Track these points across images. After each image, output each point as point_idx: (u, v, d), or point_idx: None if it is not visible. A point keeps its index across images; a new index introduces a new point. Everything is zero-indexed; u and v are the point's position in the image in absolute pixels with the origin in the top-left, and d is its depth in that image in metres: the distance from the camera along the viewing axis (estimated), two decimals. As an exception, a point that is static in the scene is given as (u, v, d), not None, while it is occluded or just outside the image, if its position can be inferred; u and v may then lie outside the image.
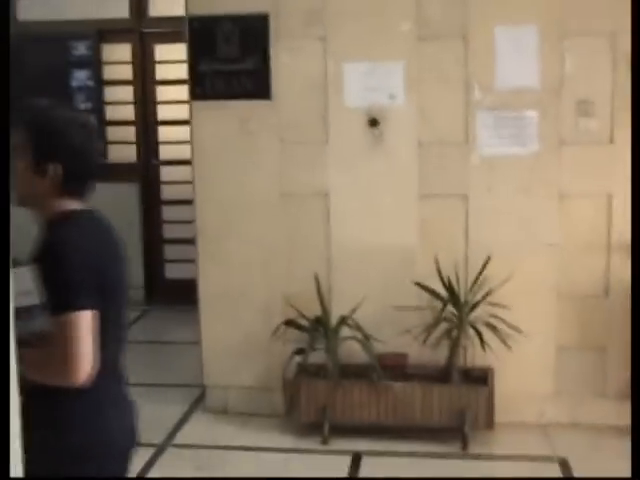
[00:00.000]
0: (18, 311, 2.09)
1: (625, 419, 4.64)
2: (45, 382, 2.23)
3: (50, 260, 2.22)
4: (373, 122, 4.65)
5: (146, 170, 7.34)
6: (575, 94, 4.55)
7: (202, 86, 4.71)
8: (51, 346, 2.21)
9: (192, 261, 6.91)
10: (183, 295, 7.09)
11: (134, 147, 7.35)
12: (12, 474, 1.52)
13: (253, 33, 4.64)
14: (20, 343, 1.99)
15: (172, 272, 7.45)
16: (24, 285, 2.19)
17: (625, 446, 4.42)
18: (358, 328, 4.56)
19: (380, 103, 4.64)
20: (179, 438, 4.72)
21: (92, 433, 2.32)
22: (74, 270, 2.22)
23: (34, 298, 2.21)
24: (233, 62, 4.67)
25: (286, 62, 4.67)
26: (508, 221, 4.63)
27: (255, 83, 4.68)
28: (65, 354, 2.18)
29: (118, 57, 7.36)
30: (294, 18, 4.63)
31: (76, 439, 2.29)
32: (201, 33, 4.67)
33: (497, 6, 4.54)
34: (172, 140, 7.25)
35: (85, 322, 2.20)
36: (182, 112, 6.97)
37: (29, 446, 1.71)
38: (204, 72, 4.69)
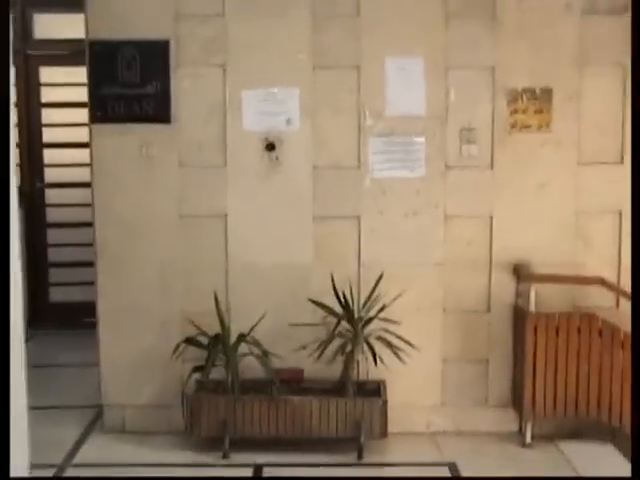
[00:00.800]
0: None
1: (504, 426, 5.01)
2: None
3: None
4: (270, 146, 4.84)
5: (31, 193, 7.28)
6: (458, 122, 4.86)
7: (103, 109, 4.78)
8: None
9: (79, 284, 7.00)
10: (68, 318, 7.11)
11: (19, 170, 7.28)
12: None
13: (154, 58, 4.75)
14: None
15: (57, 295, 7.40)
16: None
17: (505, 449, 4.81)
18: (256, 344, 4.70)
19: (277, 128, 4.83)
20: (78, 458, 4.72)
21: None
22: None
23: None
24: (134, 86, 4.76)
25: (187, 87, 4.81)
26: (398, 241, 4.89)
27: (156, 107, 4.79)
28: None
29: (2, 79, 7.27)
30: (195, 45, 4.78)
31: None
32: (102, 57, 4.74)
33: (387, 39, 4.81)
34: (58, 163, 7.24)
35: None
36: (68, 134, 7.09)
37: None
38: (105, 95, 4.77)
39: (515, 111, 4.84)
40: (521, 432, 4.91)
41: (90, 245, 4.99)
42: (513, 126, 4.85)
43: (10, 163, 2.04)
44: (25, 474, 1.78)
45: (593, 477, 4.13)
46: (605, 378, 4.68)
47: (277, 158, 4.84)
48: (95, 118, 4.83)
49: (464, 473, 4.50)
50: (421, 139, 4.86)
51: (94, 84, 4.80)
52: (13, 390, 1.48)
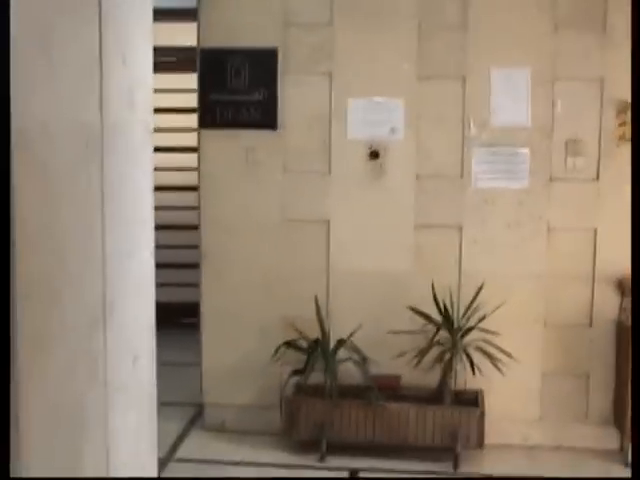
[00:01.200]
0: None
1: (605, 443, 4.91)
2: None
3: None
4: (374, 154, 4.88)
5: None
6: (564, 134, 4.81)
7: (211, 115, 4.91)
8: None
9: (181, 285, 7.16)
10: (169, 318, 7.27)
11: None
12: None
13: (262, 66, 4.86)
14: None
15: (160, 296, 7.55)
16: None
17: (604, 467, 4.71)
18: (355, 350, 4.74)
19: (381, 137, 4.87)
20: (179, 453, 4.85)
21: None
22: None
23: None
24: (242, 93, 4.88)
25: (293, 95, 4.89)
26: (499, 251, 4.87)
27: (262, 114, 4.89)
28: None
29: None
30: (302, 54, 4.87)
31: None
32: (212, 64, 4.88)
33: (493, 49, 4.80)
34: (164, 167, 7.41)
35: None
36: (174, 140, 7.27)
37: None
38: (214, 102, 4.89)
39: (623, 123, 4.76)
40: (622, 451, 4.81)
41: (191, 247, 5.12)
42: (621, 138, 4.78)
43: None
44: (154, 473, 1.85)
45: (594, 477, 4.00)
46: None
47: (381, 166, 4.87)
48: (204, 123, 4.96)
49: (561, 489, 4.45)
50: (525, 150, 4.83)
51: (203, 90, 4.94)
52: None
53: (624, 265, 4.79)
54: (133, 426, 1.63)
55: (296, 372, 4.79)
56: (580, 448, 4.89)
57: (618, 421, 4.84)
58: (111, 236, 1.61)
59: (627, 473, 4.64)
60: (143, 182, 1.84)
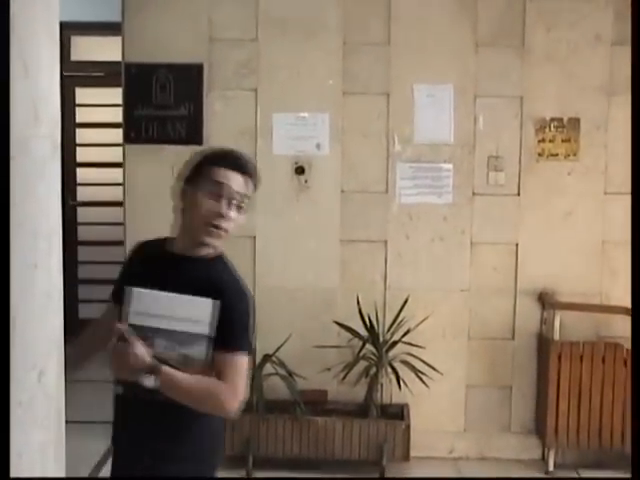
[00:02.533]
0: (181, 335, 2.34)
1: (527, 453, 4.97)
2: (195, 408, 2.37)
3: (233, 300, 2.40)
4: (299, 170, 4.88)
5: (63, 210, 7.33)
6: (486, 149, 4.88)
7: (136, 130, 4.85)
8: (212, 378, 2.35)
9: (107, 301, 7.04)
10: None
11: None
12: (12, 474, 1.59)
13: (187, 82, 4.81)
14: (168, 365, 2.30)
15: (86, 312, 7.45)
16: (194, 313, 2.36)
17: (528, 476, 4.76)
18: (281, 365, 4.71)
19: (306, 152, 4.87)
20: (105, 471, 4.74)
21: (215, 442, 2.60)
22: (251, 314, 2.45)
23: (203, 328, 2.36)
24: (167, 108, 4.83)
25: (218, 110, 4.86)
26: (424, 266, 4.89)
27: (188, 129, 4.84)
28: (234, 390, 2.35)
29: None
30: (227, 69, 4.84)
31: (205, 446, 2.51)
32: (137, 79, 4.81)
33: (417, 66, 4.84)
34: (91, 182, 7.32)
35: (248, 364, 2.41)
36: (103, 155, 7.17)
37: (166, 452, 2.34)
38: (139, 117, 4.83)
39: (543, 140, 4.85)
40: (544, 460, 4.87)
41: (120, 263, 5.03)
42: (540, 154, 4.86)
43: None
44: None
45: (594, 477, 4.04)
46: (629, 408, 4.63)
47: (306, 182, 4.87)
48: (129, 138, 4.89)
49: (486, 499, 4.49)
50: (449, 166, 4.88)
51: (129, 105, 4.87)
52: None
53: (545, 278, 4.89)
54: (38, 445, 1.58)
55: (222, 388, 4.73)
56: (504, 458, 4.94)
57: (539, 431, 4.90)
58: (16, 248, 1.57)
59: (548, 482, 4.73)
60: (50, 195, 1.79)
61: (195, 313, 2.35)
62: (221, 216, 2.42)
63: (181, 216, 2.52)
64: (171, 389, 2.31)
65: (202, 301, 2.35)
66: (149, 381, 2.26)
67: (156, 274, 2.45)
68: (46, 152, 1.70)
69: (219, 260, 2.54)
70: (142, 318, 2.36)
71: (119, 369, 2.32)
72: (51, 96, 1.71)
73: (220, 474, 4.62)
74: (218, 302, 2.35)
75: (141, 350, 2.28)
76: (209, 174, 2.45)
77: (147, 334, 2.34)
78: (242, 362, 2.37)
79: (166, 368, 2.29)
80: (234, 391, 2.33)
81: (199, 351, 2.37)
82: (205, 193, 2.44)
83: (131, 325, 2.35)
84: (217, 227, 2.44)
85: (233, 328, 2.37)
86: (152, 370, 2.28)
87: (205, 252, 2.50)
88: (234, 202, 2.44)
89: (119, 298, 2.47)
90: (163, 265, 2.48)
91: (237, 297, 2.43)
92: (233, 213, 2.45)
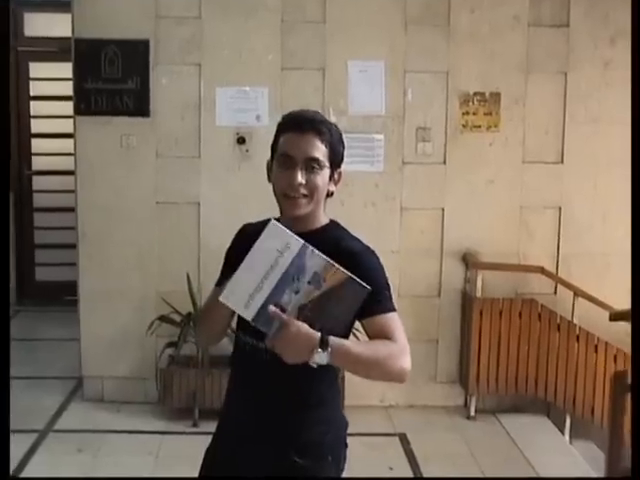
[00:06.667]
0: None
1: (451, 400, 5.19)
2: (367, 376, 2.12)
3: (369, 265, 2.15)
4: (241, 140, 4.98)
5: (20, 179, 7.36)
6: (415, 121, 5.02)
7: (86, 103, 4.89)
8: (387, 340, 2.10)
9: (62, 265, 7.09)
10: (52, 296, 7.22)
11: (8, 157, 7.34)
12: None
13: (135, 57, 4.86)
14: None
15: (42, 275, 7.49)
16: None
17: (451, 422, 4.98)
18: (224, 322, 4.83)
19: (247, 123, 4.97)
20: (59, 424, 4.85)
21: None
22: (384, 269, 2.21)
23: None
24: (116, 82, 4.88)
25: (164, 84, 4.93)
26: (357, 230, 4.99)
27: (135, 102, 4.90)
28: (405, 349, 2.11)
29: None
30: (172, 45, 4.90)
31: (339, 413, 2.34)
32: (86, 54, 4.85)
33: (350, 43, 4.95)
34: (45, 152, 7.33)
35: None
36: (56, 126, 7.17)
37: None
38: (89, 90, 4.88)
39: (466, 112, 5.01)
40: (466, 406, 5.10)
41: (73, 229, 5.11)
42: (464, 126, 5.02)
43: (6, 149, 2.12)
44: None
45: (597, 477, 4.13)
46: (542, 358, 4.87)
47: (247, 151, 4.97)
48: (79, 111, 4.94)
49: (414, 443, 4.67)
50: (380, 136, 5.01)
51: (79, 79, 4.91)
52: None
53: (468, 241, 5.08)
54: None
55: (170, 344, 4.86)
56: (430, 405, 5.14)
57: (462, 380, 5.11)
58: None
59: (469, 426, 4.94)
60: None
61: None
62: (292, 185, 2.15)
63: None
64: (344, 360, 2.02)
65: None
66: (321, 358, 1.97)
67: None
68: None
69: (330, 228, 2.30)
70: None
71: (292, 355, 2.00)
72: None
73: (167, 426, 4.80)
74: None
75: (305, 329, 1.98)
76: (278, 142, 2.21)
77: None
78: (399, 320, 2.16)
79: (333, 339, 1.99)
80: (405, 349, 2.10)
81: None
82: (277, 164, 2.20)
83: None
84: (293, 197, 2.17)
85: (380, 291, 2.13)
86: (322, 345, 1.98)
87: (311, 225, 2.24)
88: (306, 166, 2.15)
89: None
90: None
91: (370, 260, 2.18)
92: (305, 178, 2.15)
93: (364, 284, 2.00)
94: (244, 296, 2.02)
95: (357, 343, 2.07)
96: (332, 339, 1.99)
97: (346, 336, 2.11)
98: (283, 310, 2.00)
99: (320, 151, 2.16)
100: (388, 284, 2.18)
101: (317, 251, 1.99)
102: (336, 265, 1.99)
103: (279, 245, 1.99)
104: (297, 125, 2.18)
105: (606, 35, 4.99)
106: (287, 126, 2.20)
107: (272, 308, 2.00)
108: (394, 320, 2.15)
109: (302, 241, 1.99)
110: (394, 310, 2.17)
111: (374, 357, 2.06)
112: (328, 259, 1.99)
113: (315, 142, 2.16)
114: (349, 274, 1.99)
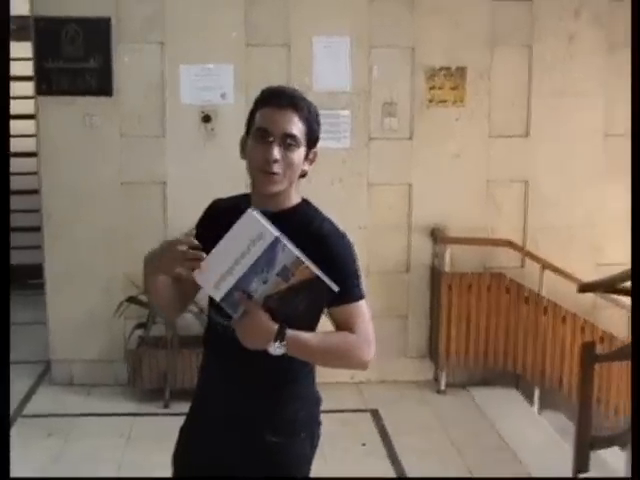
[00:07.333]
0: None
1: (422, 375, 5.20)
2: (327, 366, 2.13)
3: (337, 248, 2.11)
4: (206, 118, 4.91)
5: (-19, 162, 7.23)
6: (381, 97, 4.99)
7: (48, 83, 4.79)
8: (340, 332, 2.09)
9: (26, 248, 6.99)
10: (17, 279, 7.10)
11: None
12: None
13: (96, 35, 4.77)
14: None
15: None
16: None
17: (422, 396, 4.99)
18: (194, 303, 4.79)
19: (212, 101, 4.90)
20: (28, 409, 4.78)
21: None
22: (355, 255, 2.16)
23: None
24: (77, 61, 4.78)
25: (127, 62, 4.84)
26: (324, 206, 4.94)
27: (98, 81, 4.81)
28: (367, 339, 2.11)
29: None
30: (135, 23, 4.81)
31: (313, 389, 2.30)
32: (47, 33, 4.75)
33: (315, 19, 4.90)
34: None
35: (368, 308, 2.16)
36: (14, 107, 7.02)
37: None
38: (50, 69, 4.77)
39: (433, 87, 4.98)
40: (436, 380, 5.11)
41: (35, 211, 5.02)
42: (431, 101, 5.00)
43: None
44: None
45: (599, 477, 4.12)
46: (511, 331, 4.88)
47: (212, 129, 4.91)
48: (40, 91, 4.84)
49: (386, 418, 4.68)
50: (346, 112, 4.98)
51: (39, 58, 4.81)
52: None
53: (436, 216, 5.08)
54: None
55: (139, 326, 4.81)
56: (401, 380, 5.15)
57: (432, 354, 5.13)
58: None
59: (440, 399, 4.96)
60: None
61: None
62: (268, 160, 2.09)
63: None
64: (300, 353, 2.04)
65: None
66: (275, 349, 1.99)
67: None
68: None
69: (302, 207, 2.28)
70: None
71: (250, 343, 1.99)
72: None
73: (139, 407, 4.76)
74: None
75: (265, 319, 1.97)
76: (254, 118, 2.15)
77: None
78: (365, 308, 2.13)
79: (290, 332, 1.99)
80: (367, 339, 2.10)
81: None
82: (253, 139, 2.13)
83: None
84: (268, 173, 2.11)
85: (348, 279, 2.08)
86: (279, 337, 1.98)
87: (282, 204, 2.21)
88: (282, 143, 2.10)
89: None
90: None
91: (339, 244, 2.14)
92: (281, 155, 2.10)
93: (332, 284, 1.97)
94: (215, 277, 2.00)
95: (315, 336, 2.05)
96: (289, 332, 1.99)
97: (312, 328, 2.07)
98: (250, 297, 1.98)
99: (297, 128, 2.12)
100: (357, 269, 2.14)
101: (289, 245, 1.95)
102: (306, 262, 1.95)
103: (253, 234, 1.96)
104: (276, 100, 2.13)
105: (570, 7, 4.99)
106: (265, 101, 2.15)
107: (239, 294, 1.98)
108: (360, 309, 2.13)
109: (276, 234, 1.95)
110: (362, 298, 2.14)
111: (331, 350, 2.07)
112: (299, 254, 1.95)
113: (293, 118, 2.12)
114: (318, 273, 1.96)
